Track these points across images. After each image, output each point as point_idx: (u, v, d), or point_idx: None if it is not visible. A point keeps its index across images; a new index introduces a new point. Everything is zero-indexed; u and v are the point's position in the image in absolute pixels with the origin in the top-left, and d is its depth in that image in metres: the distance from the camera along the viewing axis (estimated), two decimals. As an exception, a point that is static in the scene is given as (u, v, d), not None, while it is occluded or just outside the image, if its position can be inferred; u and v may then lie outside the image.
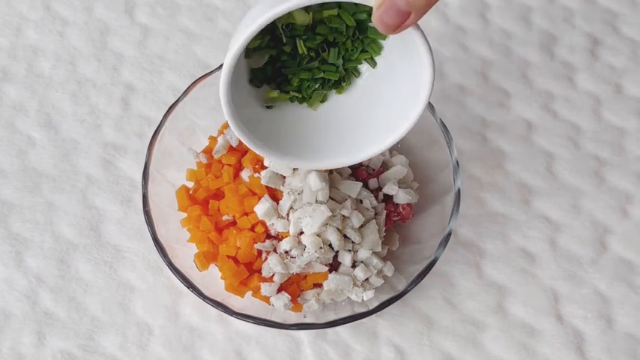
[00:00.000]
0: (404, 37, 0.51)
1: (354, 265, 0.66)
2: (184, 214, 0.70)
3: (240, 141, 0.71)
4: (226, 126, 0.73)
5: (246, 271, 0.66)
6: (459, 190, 0.68)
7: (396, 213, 0.69)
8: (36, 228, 0.74)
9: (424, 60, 0.53)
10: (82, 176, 0.77)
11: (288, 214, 0.66)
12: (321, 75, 0.58)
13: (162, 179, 0.70)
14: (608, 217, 0.75)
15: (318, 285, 0.67)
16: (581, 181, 0.77)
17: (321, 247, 0.64)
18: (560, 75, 0.82)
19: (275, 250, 0.66)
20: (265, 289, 0.65)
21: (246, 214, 0.67)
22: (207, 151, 0.72)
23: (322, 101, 0.61)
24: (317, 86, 0.60)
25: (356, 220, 0.65)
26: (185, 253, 0.68)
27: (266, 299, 0.66)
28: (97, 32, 0.85)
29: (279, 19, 0.54)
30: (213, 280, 0.67)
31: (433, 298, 0.72)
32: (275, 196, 0.67)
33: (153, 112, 0.80)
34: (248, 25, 0.50)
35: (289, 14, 0.54)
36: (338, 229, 0.65)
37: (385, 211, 0.68)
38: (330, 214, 0.63)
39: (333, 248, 0.66)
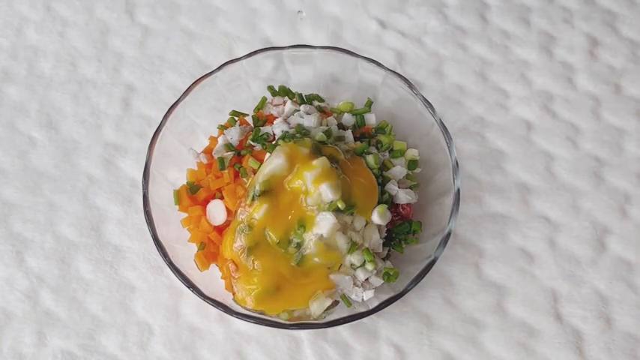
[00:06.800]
0: None
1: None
2: (185, 214, 0.70)
3: (240, 141, 0.71)
4: (227, 126, 0.73)
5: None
6: (458, 190, 0.68)
7: (396, 213, 0.69)
8: (37, 228, 0.74)
9: None
10: (82, 176, 0.77)
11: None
12: None
13: (162, 179, 0.71)
14: (608, 217, 0.75)
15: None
16: (581, 181, 0.77)
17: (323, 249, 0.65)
18: (560, 75, 0.83)
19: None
20: None
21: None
22: (208, 151, 0.72)
23: None
24: None
25: (358, 222, 0.65)
26: (185, 253, 0.68)
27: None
28: (98, 32, 0.85)
29: None
30: (213, 280, 0.67)
31: (433, 297, 0.72)
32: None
33: (153, 112, 0.80)
34: None
35: None
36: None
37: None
38: (335, 220, 0.64)
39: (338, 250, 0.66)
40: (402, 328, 0.70)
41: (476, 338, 0.70)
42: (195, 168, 0.72)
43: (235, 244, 0.65)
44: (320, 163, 0.64)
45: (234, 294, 0.66)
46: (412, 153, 0.72)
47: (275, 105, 0.74)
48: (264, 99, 0.75)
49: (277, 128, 0.70)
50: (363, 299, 0.66)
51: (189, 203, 0.70)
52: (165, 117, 0.71)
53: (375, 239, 0.66)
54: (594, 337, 0.70)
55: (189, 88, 0.72)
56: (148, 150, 0.69)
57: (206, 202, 0.69)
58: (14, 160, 0.78)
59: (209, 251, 0.68)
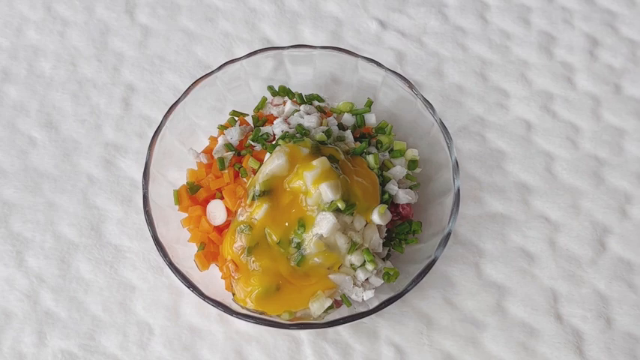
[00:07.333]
0: None
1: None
2: (185, 214, 0.70)
3: (240, 141, 0.71)
4: (227, 126, 0.73)
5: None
6: (458, 190, 0.68)
7: (396, 213, 0.69)
8: (37, 228, 0.74)
9: None
10: (82, 176, 0.77)
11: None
12: None
13: (162, 179, 0.71)
14: (607, 217, 0.75)
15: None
16: (581, 181, 0.77)
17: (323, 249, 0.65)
18: (560, 75, 0.83)
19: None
20: None
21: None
22: (208, 151, 0.72)
23: None
24: None
25: (358, 222, 0.65)
26: (185, 253, 0.68)
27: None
28: (98, 32, 0.85)
29: None
30: (213, 280, 0.67)
31: (433, 297, 0.72)
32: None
33: (153, 112, 0.80)
34: None
35: None
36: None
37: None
38: (335, 220, 0.64)
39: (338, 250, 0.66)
40: (402, 328, 0.70)
41: (476, 338, 0.70)
42: (195, 168, 0.72)
43: (235, 244, 0.65)
44: (320, 163, 0.64)
45: (234, 294, 0.66)
46: (412, 153, 0.72)
47: (275, 105, 0.74)
48: (264, 99, 0.75)
49: (277, 128, 0.70)
50: (363, 299, 0.66)
51: (189, 203, 0.70)
52: (165, 117, 0.71)
53: (375, 239, 0.66)
54: (594, 337, 0.70)
55: (189, 88, 0.72)
56: (148, 150, 0.69)
57: (206, 202, 0.69)
58: (14, 160, 0.78)
59: (209, 251, 0.68)
